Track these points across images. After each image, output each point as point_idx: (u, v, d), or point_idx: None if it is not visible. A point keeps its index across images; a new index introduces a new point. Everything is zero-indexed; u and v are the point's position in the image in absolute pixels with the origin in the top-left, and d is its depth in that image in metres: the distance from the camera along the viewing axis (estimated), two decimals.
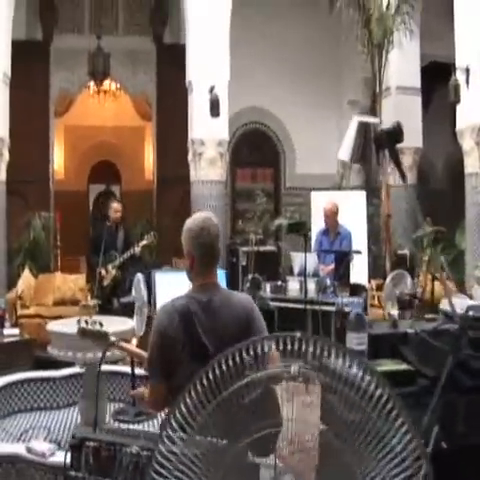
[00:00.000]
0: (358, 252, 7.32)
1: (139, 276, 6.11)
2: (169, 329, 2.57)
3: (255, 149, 13.31)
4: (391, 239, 9.35)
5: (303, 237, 6.91)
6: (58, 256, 10.44)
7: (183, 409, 1.69)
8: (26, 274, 8.72)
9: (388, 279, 6.56)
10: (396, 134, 8.56)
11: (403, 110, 10.48)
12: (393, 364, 3.11)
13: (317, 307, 6.62)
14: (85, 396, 5.08)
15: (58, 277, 8.69)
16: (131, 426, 5.19)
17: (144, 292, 5.95)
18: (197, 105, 9.69)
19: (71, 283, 8.46)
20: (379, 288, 8.00)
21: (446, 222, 9.48)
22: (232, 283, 7.58)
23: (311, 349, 1.56)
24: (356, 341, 3.37)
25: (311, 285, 6.84)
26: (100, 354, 4.71)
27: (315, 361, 1.60)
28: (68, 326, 5.07)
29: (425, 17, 10.61)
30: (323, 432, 1.66)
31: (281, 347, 1.64)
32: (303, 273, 6.88)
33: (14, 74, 9.34)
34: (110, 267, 7.74)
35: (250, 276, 7.48)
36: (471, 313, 2.88)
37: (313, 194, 10.45)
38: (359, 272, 7.94)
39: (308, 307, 6.59)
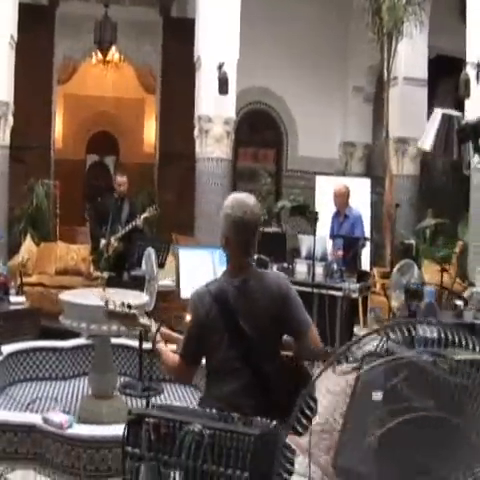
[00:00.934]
0: (367, 239, 7.31)
1: (150, 250, 6.09)
2: (205, 319, 2.53)
3: (258, 129, 13.15)
4: (394, 228, 9.36)
5: (313, 220, 6.89)
6: (57, 225, 10.30)
7: None
8: (28, 242, 8.60)
9: (396, 268, 6.56)
10: None
11: (409, 100, 10.47)
12: (468, 353, 3.08)
13: (324, 291, 6.64)
14: (96, 367, 5.06)
15: (60, 246, 8.58)
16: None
17: (155, 266, 5.94)
18: (205, 81, 9.56)
19: (74, 253, 8.35)
20: (383, 276, 8.02)
21: (449, 214, 9.50)
22: None
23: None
24: (428, 329, 3.35)
25: (319, 269, 6.84)
26: (114, 327, 4.70)
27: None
28: (82, 297, 5.03)
29: (432, 10, 10.53)
30: None
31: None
32: (311, 256, 6.87)
33: (19, 38, 9.08)
34: (113, 239, 7.67)
35: (255, 256, 7.41)
36: None
37: (318, 178, 10.42)
38: (362, 259, 7.95)
39: (315, 291, 6.59)
